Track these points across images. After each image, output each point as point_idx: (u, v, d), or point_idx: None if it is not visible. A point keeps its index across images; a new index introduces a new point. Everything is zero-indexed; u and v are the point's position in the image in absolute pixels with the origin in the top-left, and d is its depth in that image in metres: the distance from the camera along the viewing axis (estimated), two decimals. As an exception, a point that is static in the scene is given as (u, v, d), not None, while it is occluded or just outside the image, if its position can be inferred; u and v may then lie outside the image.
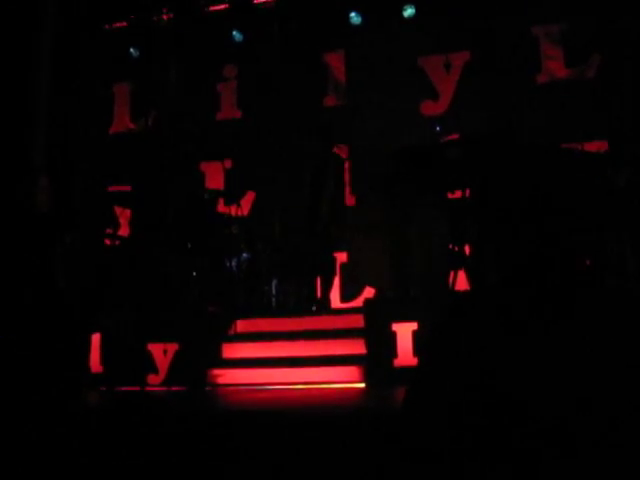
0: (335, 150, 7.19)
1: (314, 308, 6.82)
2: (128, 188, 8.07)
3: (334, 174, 6.94)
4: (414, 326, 5.33)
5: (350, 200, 8.53)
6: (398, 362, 5.39)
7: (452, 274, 5.14)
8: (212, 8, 9.17)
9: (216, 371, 5.87)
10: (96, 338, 6.19)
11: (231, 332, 6.34)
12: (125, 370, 5.73)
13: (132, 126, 9.54)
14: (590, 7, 7.89)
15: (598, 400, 1.46)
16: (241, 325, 6.44)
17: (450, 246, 5.32)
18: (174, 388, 5.85)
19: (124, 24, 9.48)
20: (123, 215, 8.34)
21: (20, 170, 8.01)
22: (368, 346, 5.59)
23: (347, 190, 8.52)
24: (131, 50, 9.42)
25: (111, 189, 8.28)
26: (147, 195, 5.81)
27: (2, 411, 3.80)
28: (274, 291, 7.37)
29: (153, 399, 4.76)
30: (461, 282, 5.33)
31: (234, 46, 9.17)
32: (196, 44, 9.30)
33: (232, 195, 7.40)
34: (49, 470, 3.13)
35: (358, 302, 7.47)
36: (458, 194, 5.36)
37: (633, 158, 5.51)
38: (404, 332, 5.36)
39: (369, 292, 7.94)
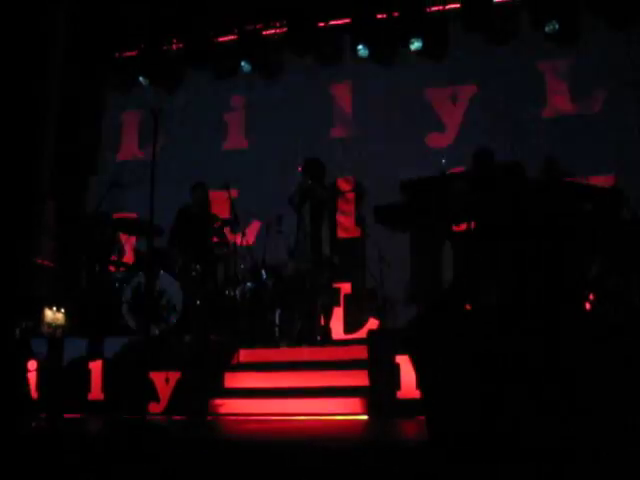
0: (340, 181, 7.21)
1: (319, 338, 6.79)
2: (134, 215, 8.08)
3: (336, 205, 6.96)
4: (418, 358, 5.28)
5: (355, 232, 8.55)
6: (401, 394, 5.35)
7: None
8: (221, 39, 9.28)
9: (218, 400, 5.83)
10: (97, 366, 6.17)
11: (234, 361, 6.30)
12: (126, 398, 5.68)
13: (140, 154, 9.60)
14: (594, 43, 7.98)
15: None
16: (244, 355, 6.41)
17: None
18: (175, 417, 5.80)
19: (134, 53, 9.59)
20: (128, 242, 8.35)
21: (27, 194, 8.06)
22: (371, 378, 5.55)
23: (352, 221, 8.56)
24: (141, 79, 9.52)
25: (116, 216, 8.30)
26: (153, 223, 5.82)
27: None
28: (277, 321, 7.34)
29: (154, 428, 4.72)
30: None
31: (242, 76, 9.26)
32: (205, 74, 9.41)
33: (237, 224, 7.41)
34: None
35: (362, 333, 7.44)
36: (463, 226, 5.35)
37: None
38: (407, 364, 5.31)
39: (373, 324, 7.90)
